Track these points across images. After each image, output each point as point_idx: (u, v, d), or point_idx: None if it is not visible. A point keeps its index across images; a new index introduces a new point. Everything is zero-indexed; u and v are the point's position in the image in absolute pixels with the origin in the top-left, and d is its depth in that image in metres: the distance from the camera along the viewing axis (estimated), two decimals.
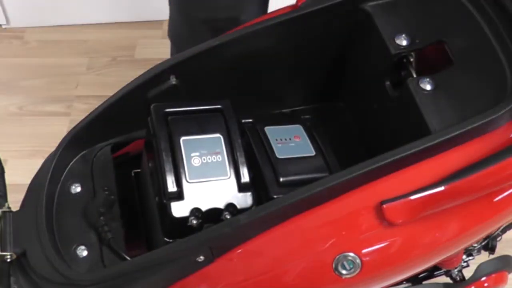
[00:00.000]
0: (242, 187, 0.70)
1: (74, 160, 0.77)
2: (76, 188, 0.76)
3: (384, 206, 0.66)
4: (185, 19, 1.10)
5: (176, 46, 1.23)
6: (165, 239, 0.69)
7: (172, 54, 1.31)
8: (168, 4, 1.15)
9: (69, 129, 0.76)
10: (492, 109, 0.68)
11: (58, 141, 0.75)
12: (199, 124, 0.71)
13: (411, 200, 0.66)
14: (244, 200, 0.69)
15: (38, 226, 0.70)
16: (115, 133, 0.80)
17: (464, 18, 0.77)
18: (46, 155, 0.76)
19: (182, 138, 0.71)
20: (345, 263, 0.67)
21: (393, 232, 0.68)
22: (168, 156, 0.69)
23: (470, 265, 1.10)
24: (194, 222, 0.67)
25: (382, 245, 0.68)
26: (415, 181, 0.67)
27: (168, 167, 0.69)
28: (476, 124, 0.67)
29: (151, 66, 0.78)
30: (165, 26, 1.22)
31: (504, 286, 1.06)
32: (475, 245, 1.06)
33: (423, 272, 1.06)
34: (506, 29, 0.74)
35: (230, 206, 0.69)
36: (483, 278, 1.04)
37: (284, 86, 0.88)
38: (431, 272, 1.09)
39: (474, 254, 1.10)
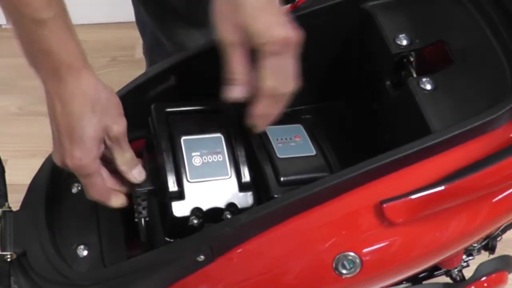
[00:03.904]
0: (243, 187, 0.70)
1: None
2: (77, 188, 0.76)
3: (384, 205, 0.66)
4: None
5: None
6: (166, 238, 0.69)
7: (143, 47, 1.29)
8: None
9: None
10: (492, 108, 0.68)
11: None
12: (200, 123, 0.71)
13: (411, 200, 0.66)
14: (245, 199, 0.69)
15: (38, 226, 0.70)
16: None
17: (464, 18, 0.78)
18: (46, 155, 0.76)
19: (183, 138, 0.71)
20: (345, 262, 0.67)
21: (393, 232, 0.68)
22: (168, 155, 0.69)
23: (470, 265, 1.11)
24: (195, 221, 0.67)
25: (382, 244, 0.68)
26: (415, 181, 0.67)
27: (169, 166, 0.68)
28: (476, 124, 0.67)
29: None
30: None
31: (504, 286, 1.06)
32: (475, 245, 1.07)
33: (423, 272, 1.07)
34: (506, 29, 0.74)
35: (231, 206, 0.69)
36: (483, 278, 1.05)
37: None
38: (431, 272, 1.09)
39: (474, 254, 1.10)
